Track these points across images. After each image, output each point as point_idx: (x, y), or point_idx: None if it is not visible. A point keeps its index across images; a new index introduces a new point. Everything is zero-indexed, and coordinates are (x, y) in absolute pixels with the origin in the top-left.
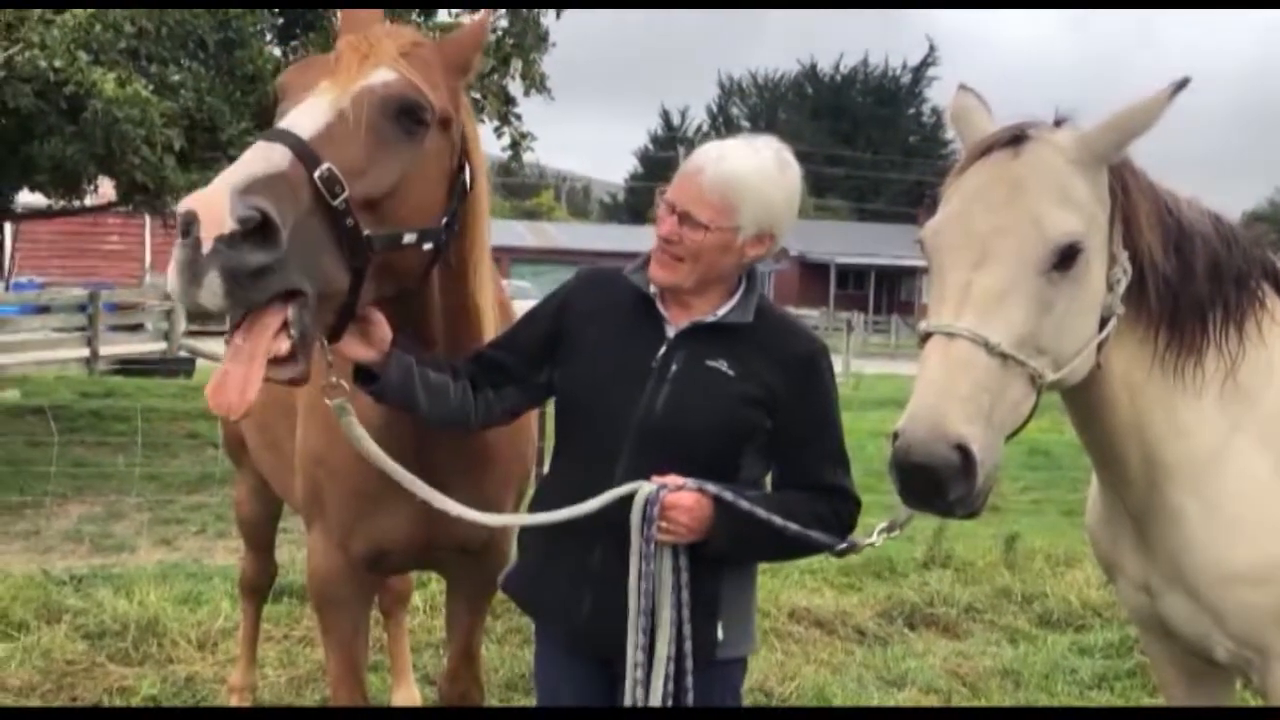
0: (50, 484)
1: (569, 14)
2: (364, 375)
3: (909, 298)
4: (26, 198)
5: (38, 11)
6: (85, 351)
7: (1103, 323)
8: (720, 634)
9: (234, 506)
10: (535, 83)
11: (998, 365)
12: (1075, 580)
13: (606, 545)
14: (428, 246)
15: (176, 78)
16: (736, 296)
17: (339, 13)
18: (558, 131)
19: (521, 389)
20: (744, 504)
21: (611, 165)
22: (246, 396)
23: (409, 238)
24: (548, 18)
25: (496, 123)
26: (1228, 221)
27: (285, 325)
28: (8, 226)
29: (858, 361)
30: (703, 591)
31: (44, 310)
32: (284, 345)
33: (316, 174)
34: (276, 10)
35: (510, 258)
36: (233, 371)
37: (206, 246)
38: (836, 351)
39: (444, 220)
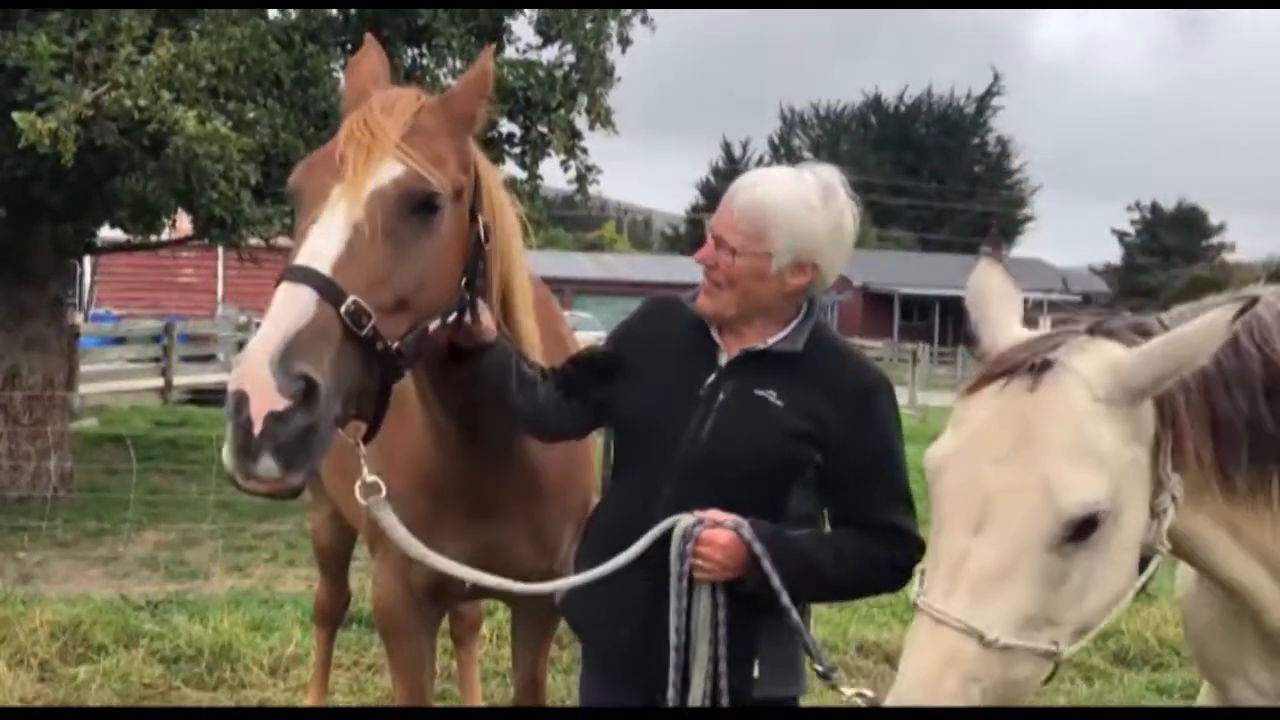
0: (128, 511)
1: (632, 48)
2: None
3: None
4: (106, 233)
5: (124, 52)
6: (160, 381)
7: (1143, 561)
8: (756, 672)
9: (310, 534)
10: (601, 117)
11: (995, 655)
12: (1152, 617)
13: (649, 577)
14: (452, 318)
15: (252, 115)
16: (791, 326)
17: (350, 65)
18: (620, 164)
19: (587, 406)
20: (767, 563)
21: (673, 197)
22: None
23: (434, 325)
24: (613, 52)
25: (563, 156)
26: None
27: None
28: (87, 261)
29: (924, 394)
30: (741, 629)
31: (120, 341)
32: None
33: (343, 309)
34: (348, 48)
35: (573, 289)
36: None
37: (258, 427)
38: (902, 384)
39: (464, 283)
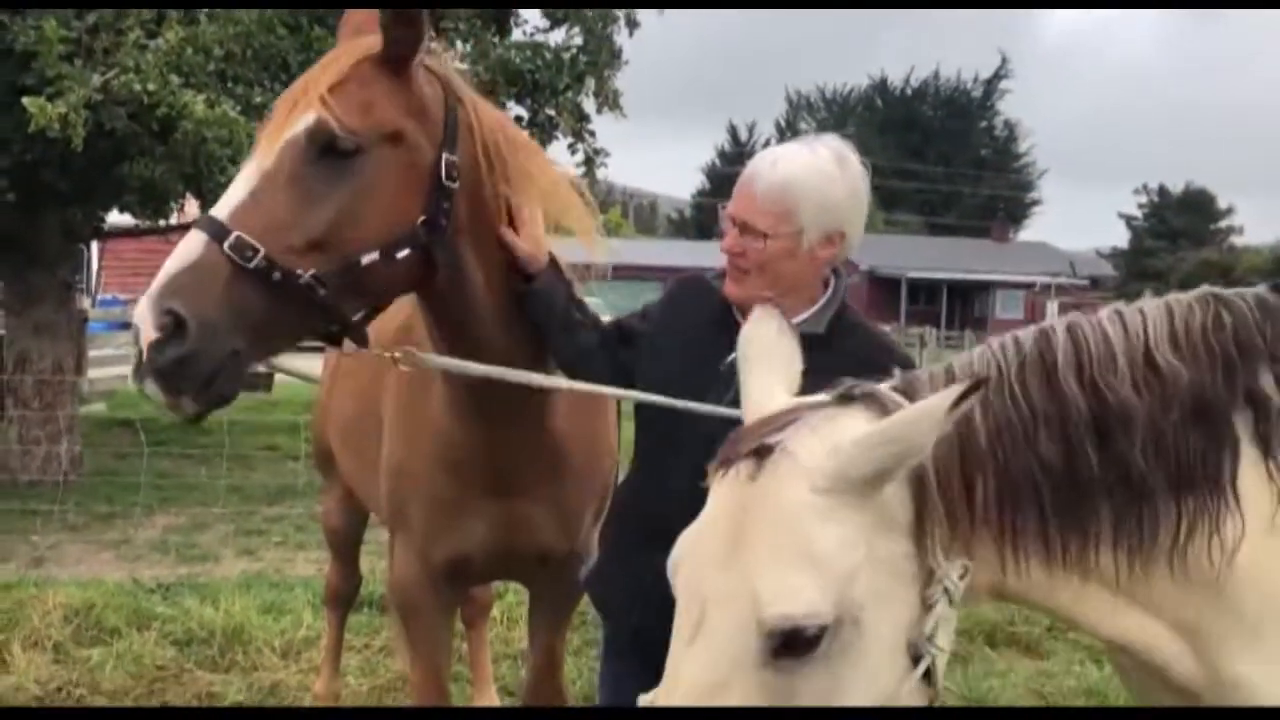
0: (139, 495)
1: (638, 32)
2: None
3: (982, 313)
4: (114, 217)
5: (133, 36)
6: None
7: (917, 659)
8: None
9: (321, 517)
10: (609, 100)
11: None
12: None
13: (664, 555)
14: (402, 254)
15: (260, 99)
16: (816, 306)
17: (340, 24)
18: (625, 148)
19: (616, 366)
20: None
21: (678, 182)
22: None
23: (369, 257)
24: (621, 35)
25: (571, 140)
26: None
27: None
28: (95, 245)
29: None
30: None
31: (128, 326)
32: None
33: (226, 246)
34: None
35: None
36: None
37: (145, 355)
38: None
39: (420, 221)
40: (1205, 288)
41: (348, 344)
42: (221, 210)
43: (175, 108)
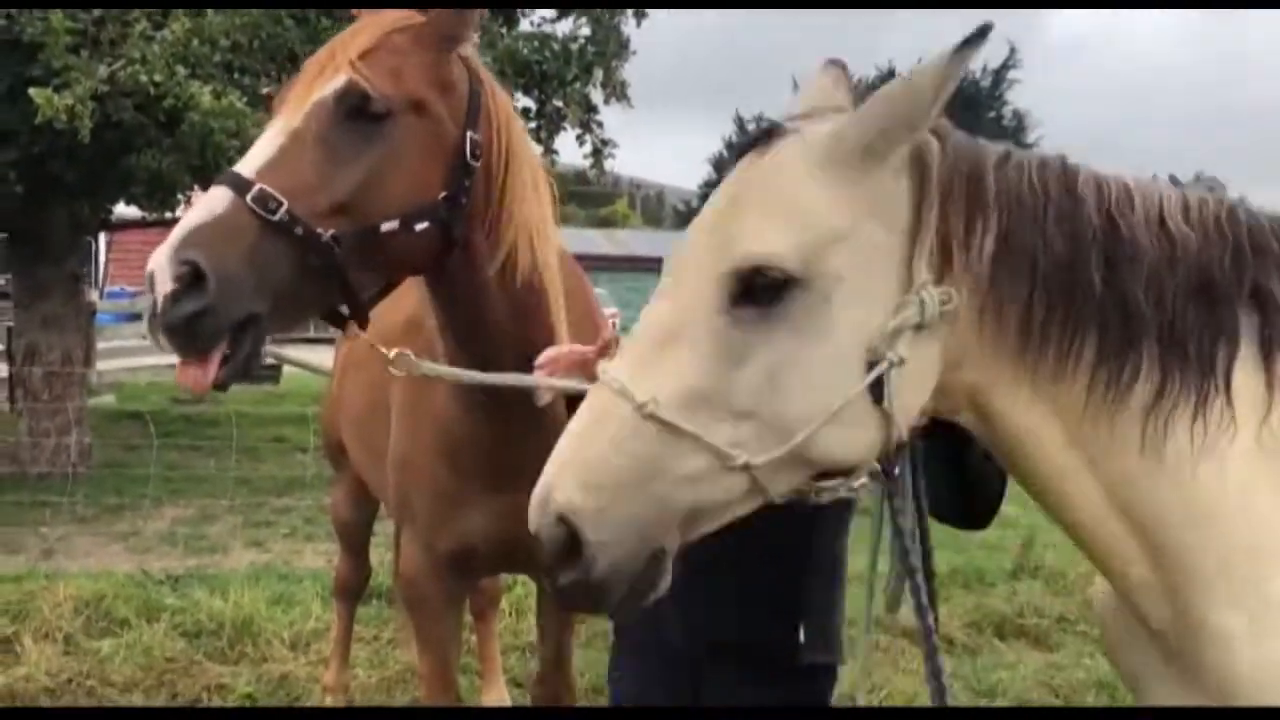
0: (148, 487)
1: (645, 22)
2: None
3: None
4: (121, 209)
5: (139, 28)
6: (175, 358)
7: (876, 381)
8: (802, 637)
9: (330, 509)
10: (616, 91)
11: (652, 430)
12: None
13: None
14: (421, 226)
15: (266, 90)
16: None
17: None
18: (631, 139)
19: None
20: None
21: (685, 172)
22: (203, 382)
23: (388, 225)
24: (628, 25)
25: (579, 130)
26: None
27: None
28: (102, 238)
29: None
30: (785, 593)
31: (136, 318)
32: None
33: (248, 197)
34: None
35: (586, 266)
36: (204, 368)
37: (159, 306)
38: None
39: (442, 195)
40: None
41: (352, 327)
42: (246, 166)
43: (182, 99)
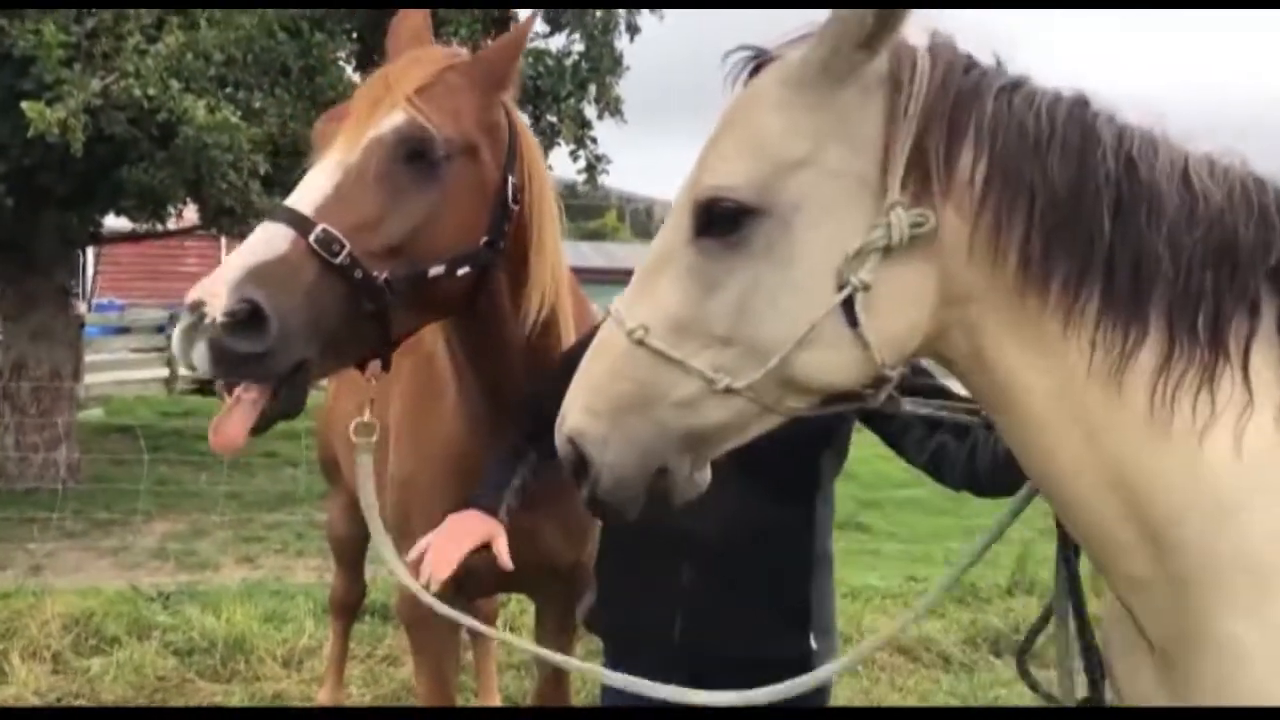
0: (137, 502)
1: (639, 36)
2: None
3: None
4: (111, 221)
5: (133, 41)
6: (164, 371)
7: (848, 305)
8: (813, 644)
9: (326, 525)
10: (610, 106)
11: (644, 357)
12: None
13: (694, 563)
14: (463, 271)
15: (259, 104)
16: None
17: (392, 25)
18: (620, 153)
19: None
20: None
21: (674, 185)
22: (240, 438)
23: (436, 270)
24: (621, 40)
25: (572, 146)
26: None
27: (275, 395)
28: (90, 250)
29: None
30: (793, 600)
31: (124, 331)
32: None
33: (312, 238)
34: (354, 36)
35: (577, 279)
36: (236, 418)
37: (204, 320)
38: None
39: (484, 240)
40: None
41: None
42: (303, 203)
43: (176, 113)
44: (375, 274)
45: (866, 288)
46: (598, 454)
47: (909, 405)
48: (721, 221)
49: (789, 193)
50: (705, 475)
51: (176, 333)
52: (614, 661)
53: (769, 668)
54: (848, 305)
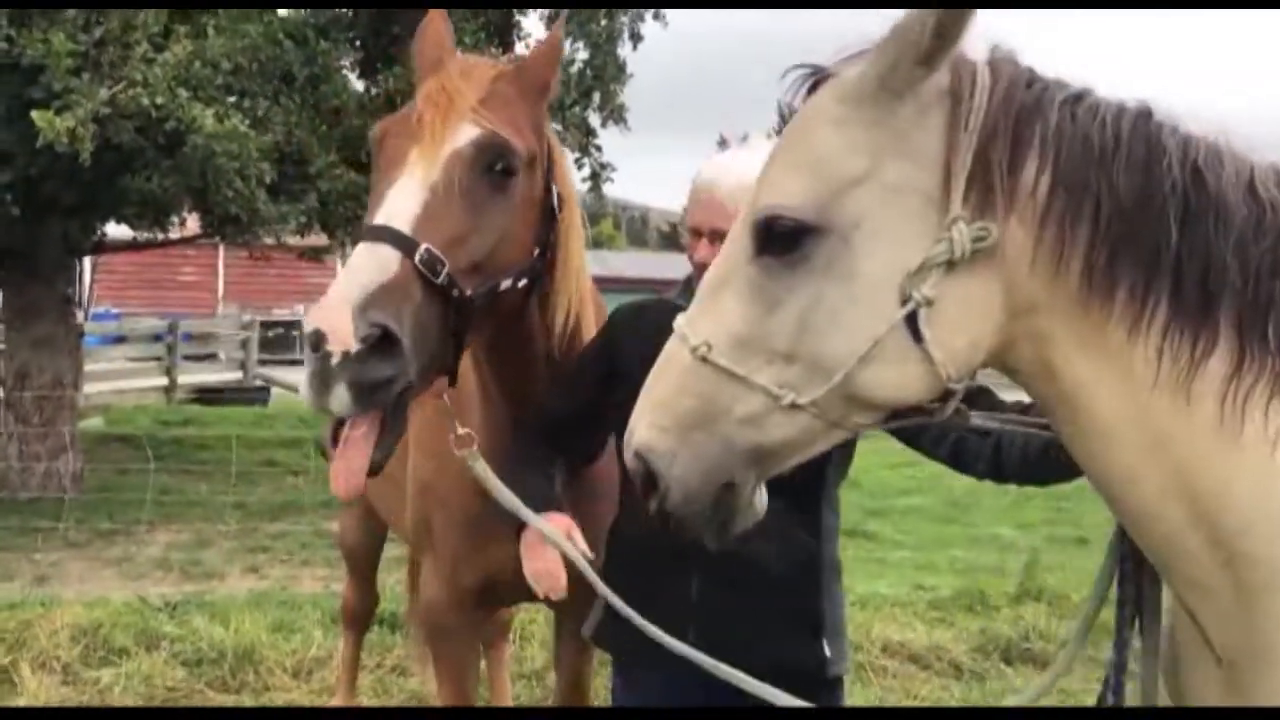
0: (141, 512)
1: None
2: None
3: None
4: (112, 230)
5: (141, 50)
6: (163, 380)
7: (911, 320)
8: (826, 650)
9: (339, 534)
10: (615, 114)
11: (708, 373)
12: None
13: (703, 574)
14: (522, 284)
15: (263, 112)
16: None
17: (418, 32)
18: (618, 161)
19: (602, 424)
20: None
21: (668, 194)
22: (363, 479)
23: (506, 283)
24: (624, 49)
25: (577, 154)
26: None
27: (384, 424)
28: (87, 259)
29: None
30: (805, 608)
31: (122, 340)
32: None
33: (417, 259)
34: (358, 44)
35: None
36: (353, 457)
37: (335, 360)
38: None
39: (536, 251)
40: None
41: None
42: (399, 221)
43: (184, 121)
44: (467, 291)
45: (930, 303)
46: (665, 468)
47: (978, 419)
48: (781, 239)
49: (848, 210)
50: (763, 499)
51: (305, 379)
52: (625, 677)
53: (784, 677)
54: (911, 320)
